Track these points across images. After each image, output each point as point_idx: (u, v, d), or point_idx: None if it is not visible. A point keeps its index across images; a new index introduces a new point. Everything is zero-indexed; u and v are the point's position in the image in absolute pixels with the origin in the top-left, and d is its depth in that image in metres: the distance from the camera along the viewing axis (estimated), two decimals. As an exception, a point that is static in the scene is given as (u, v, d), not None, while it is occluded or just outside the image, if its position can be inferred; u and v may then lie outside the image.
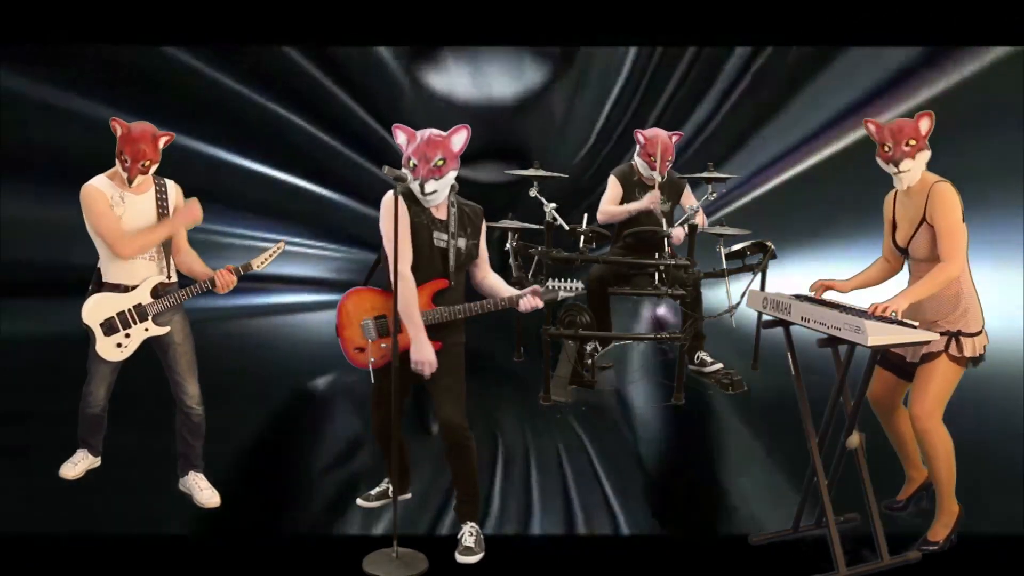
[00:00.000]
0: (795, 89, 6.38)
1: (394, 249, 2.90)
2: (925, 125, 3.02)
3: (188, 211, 3.37)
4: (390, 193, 2.98)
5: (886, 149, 3.04)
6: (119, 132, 3.28)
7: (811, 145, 6.43)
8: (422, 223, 3.06)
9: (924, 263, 3.06)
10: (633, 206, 4.68)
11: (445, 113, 6.54)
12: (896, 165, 3.03)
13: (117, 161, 3.29)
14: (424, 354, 3.02)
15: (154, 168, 3.32)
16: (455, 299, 3.10)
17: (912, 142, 3.01)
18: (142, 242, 3.32)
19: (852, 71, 6.06)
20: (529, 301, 3.06)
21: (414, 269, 3.03)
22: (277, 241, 3.55)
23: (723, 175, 4.50)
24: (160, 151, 3.31)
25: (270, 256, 3.50)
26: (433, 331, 3.08)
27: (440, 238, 3.08)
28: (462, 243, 3.10)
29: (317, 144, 6.58)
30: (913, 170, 3.03)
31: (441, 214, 3.10)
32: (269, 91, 6.29)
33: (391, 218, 2.89)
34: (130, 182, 3.28)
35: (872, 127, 3.11)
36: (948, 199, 2.98)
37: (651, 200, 4.59)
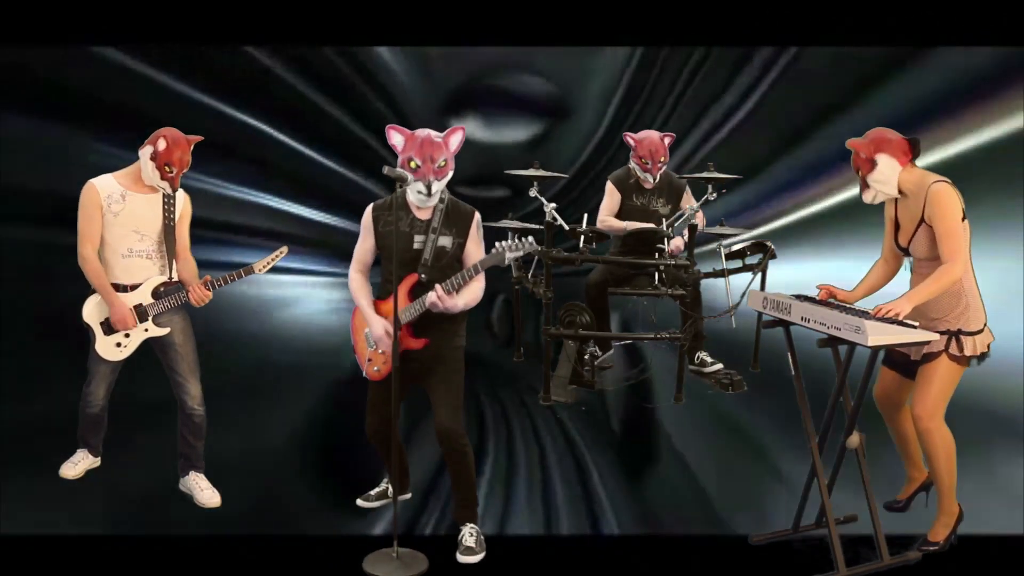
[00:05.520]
0: (797, 90, 6.37)
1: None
2: (862, 153, 3.11)
3: (124, 321, 3.39)
4: (369, 207, 3.13)
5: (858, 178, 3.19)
6: (163, 147, 3.31)
7: (811, 144, 6.43)
8: (400, 231, 3.06)
9: (926, 262, 3.06)
10: (633, 226, 4.68)
11: (445, 112, 6.54)
12: (862, 196, 3.18)
13: (156, 170, 3.33)
14: (373, 329, 3.09)
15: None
16: None
17: (860, 172, 3.13)
18: (92, 274, 3.36)
19: (851, 71, 6.06)
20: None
21: (396, 274, 3.02)
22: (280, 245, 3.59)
23: (724, 175, 4.49)
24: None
25: (272, 260, 3.53)
26: (426, 330, 3.09)
27: (419, 240, 3.08)
28: (445, 241, 3.09)
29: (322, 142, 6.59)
30: (878, 190, 3.11)
31: (425, 215, 3.10)
32: (277, 91, 6.28)
33: (361, 229, 3.15)
34: (174, 191, 3.39)
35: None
36: (945, 200, 2.98)
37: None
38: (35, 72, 5.38)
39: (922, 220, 3.03)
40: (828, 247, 5.96)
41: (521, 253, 2.99)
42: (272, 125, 6.34)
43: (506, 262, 3.01)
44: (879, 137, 3.08)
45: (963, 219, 3.00)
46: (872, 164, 3.06)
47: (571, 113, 6.81)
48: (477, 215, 3.15)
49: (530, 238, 3.00)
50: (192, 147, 3.40)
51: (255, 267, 3.50)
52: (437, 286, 2.98)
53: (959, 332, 3.03)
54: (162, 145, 3.32)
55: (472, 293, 3.07)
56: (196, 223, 3.55)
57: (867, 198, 3.15)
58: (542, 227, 4.58)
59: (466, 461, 3.14)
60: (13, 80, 5.29)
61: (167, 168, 3.32)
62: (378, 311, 3.15)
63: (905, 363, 3.19)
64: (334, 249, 6.37)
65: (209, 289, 3.43)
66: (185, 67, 5.80)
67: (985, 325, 3.08)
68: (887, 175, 3.05)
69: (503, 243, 2.98)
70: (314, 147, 6.54)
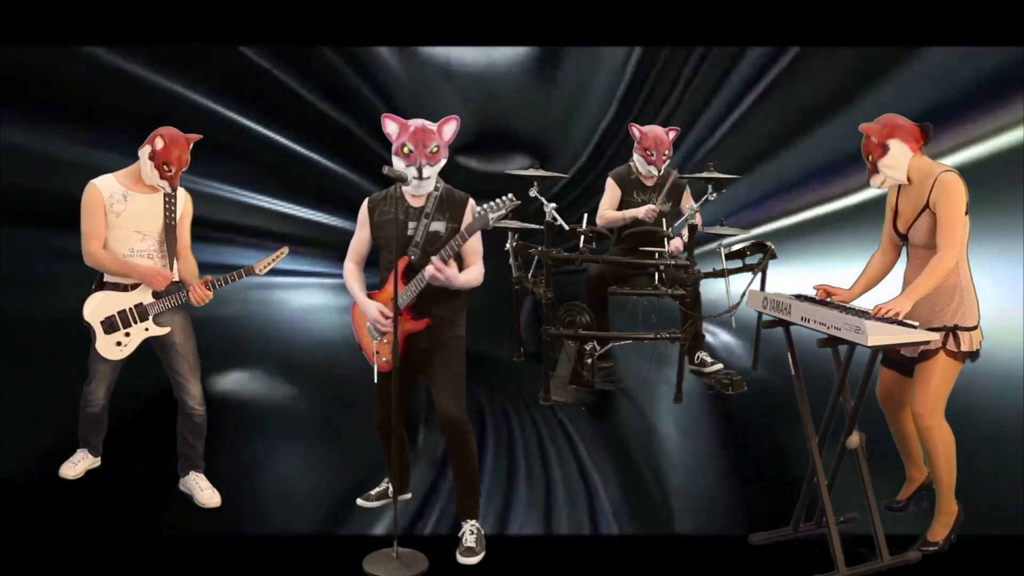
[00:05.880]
0: (800, 91, 6.38)
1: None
2: (873, 138, 3.08)
3: (158, 278, 3.38)
4: (366, 200, 3.16)
5: (867, 163, 3.16)
6: (160, 145, 3.32)
7: (813, 145, 6.43)
8: (396, 218, 3.07)
9: (923, 249, 3.06)
10: (630, 213, 4.71)
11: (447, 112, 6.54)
12: (870, 181, 3.15)
13: (155, 169, 3.33)
14: (368, 314, 3.11)
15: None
16: None
17: (870, 157, 3.11)
18: (107, 263, 3.36)
19: (851, 72, 6.06)
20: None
21: (392, 260, 3.05)
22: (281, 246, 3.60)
23: (724, 175, 4.50)
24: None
25: (273, 260, 3.53)
26: (427, 313, 3.11)
27: (412, 226, 3.11)
28: (438, 226, 3.11)
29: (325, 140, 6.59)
30: (887, 175, 3.09)
31: (419, 203, 3.12)
32: (283, 91, 6.29)
33: (358, 222, 3.18)
34: (174, 190, 3.39)
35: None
36: (953, 189, 2.99)
37: (648, 212, 4.63)
38: (34, 73, 5.39)
39: (926, 206, 3.03)
40: (829, 246, 5.97)
41: (503, 212, 3.04)
42: (270, 126, 6.35)
43: (491, 225, 3.05)
44: (891, 122, 3.08)
45: (965, 213, 3.01)
46: (884, 149, 3.06)
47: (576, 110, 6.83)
48: (471, 201, 3.17)
49: (510, 195, 3.05)
50: (191, 146, 3.40)
51: (255, 268, 3.50)
52: (433, 258, 3.01)
53: (956, 328, 3.03)
54: (160, 144, 3.32)
55: (472, 273, 3.11)
56: (197, 224, 3.55)
57: (875, 183, 3.13)
58: (542, 227, 4.58)
59: (469, 449, 3.14)
60: (12, 81, 5.30)
61: (165, 167, 3.33)
62: (377, 301, 3.16)
63: (902, 361, 3.19)
64: (333, 249, 6.38)
65: (209, 289, 3.43)
66: (183, 68, 5.81)
67: (979, 323, 3.08)
68: (898, 160, 3.06)
69: (484, 206, 3.03)
70: (313, 148, 6.56)
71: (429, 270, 3.01)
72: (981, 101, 5.55)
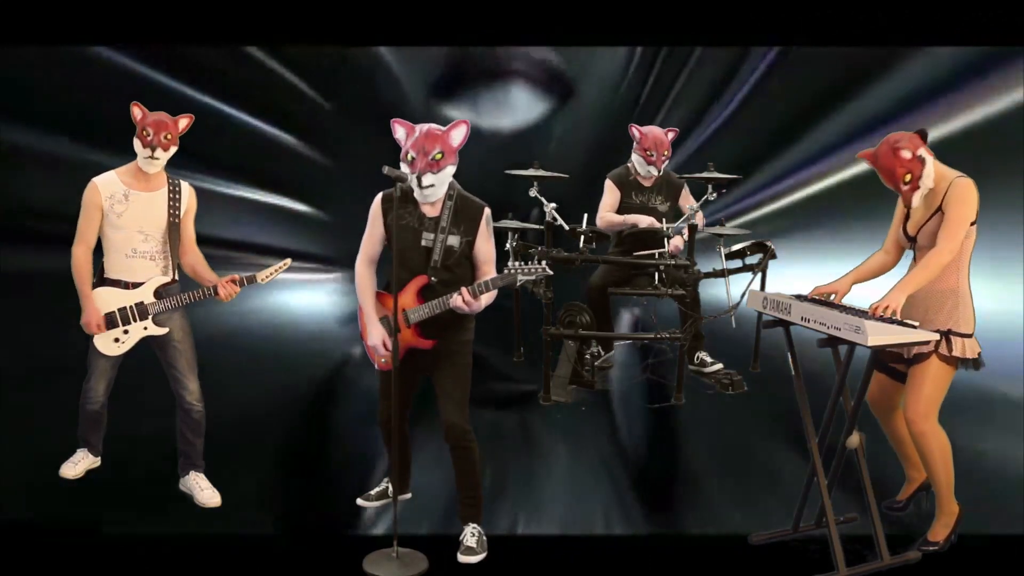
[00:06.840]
0: (801, 91, 6.38)
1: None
2: (907, 154, 3.01)
3: (91, 325, 3.40)
4: (379, 196, 3.10)
5: (902, 186, 3.06)
6: (138, 115, 3.35)
7: (815, 146, 6.44)
8: (409, 225, 3.05)
9: (928, 251, 3.05)
10: (632, 219, 4.71)
11: (447, 111, 6.54)
12: (909, 204, 3.08)
13: (138, 141, 3.34)
14: (370, 339, 3.09)
15: (173, 148, 3.39)
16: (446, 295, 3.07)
17: (908, 177, 3.03)
18: (78, 270, 3.37)
19: (853, 72, 6.06)
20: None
21: (403, 270, 3.03)
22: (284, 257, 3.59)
23: (724, 175, 4.50)
24: (179, 132, 3.40)
25: (275, 271, 3.52)
26: (435, 329, 3.09)
27: (427, 237, 3.06)
28: (453, 240, 3.07)
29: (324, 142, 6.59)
30: (926, 185, 3.04)
31: (434, 211, 3.08)
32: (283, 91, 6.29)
33: (369, 219, 3.11)
34: (153, 154, 3.32)
35: (869, 163, 3.14)
36: (966, 193, 2.98)
37: (650, 225, 4.64)
38: (34, 73, 5.39)
39: (939, 209, 3.02)
40: (830, 244, 5.97)
41: (533, 277, 3.02)
42: (272, 125, 6.35)
43: (518, 284, 3.05)
44: (909, 136, 3.04)
45: (973, 223, 3.01)
46: (922, 162, 3.02)
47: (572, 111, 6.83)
48: (487, 210, 3.12)
49: (543, 264, 3.05)
50: (179, 125, 3.40)
51: (258, 276, 3.49)
52: (464, 289, 2.97)
53: (949, 332, 3.03)
54: (138, 114, 3.36)
55: (491, 296, 3.08)
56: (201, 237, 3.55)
57: (917, 199, 3.06)
58: (542, 227, 4.58)
59: (472, 458, 3.14)
60: (13, 81, 5.29)
61: (145, 133, 3.32)
62: (384, 304, 3.15)
63: (892, 367, 3.20)
64: (334, 248, 6.39)
65: (238, 286, 3.42)
66: (184, 68, 5.81)
67: (974, 332, 3.07)
68: (931, 168, 3.04)
69: (517, 264, 3.02)
70: (314, 147, 6.55)
71: (457, 301, 2.98)
72: (976, 101, 5.55)
